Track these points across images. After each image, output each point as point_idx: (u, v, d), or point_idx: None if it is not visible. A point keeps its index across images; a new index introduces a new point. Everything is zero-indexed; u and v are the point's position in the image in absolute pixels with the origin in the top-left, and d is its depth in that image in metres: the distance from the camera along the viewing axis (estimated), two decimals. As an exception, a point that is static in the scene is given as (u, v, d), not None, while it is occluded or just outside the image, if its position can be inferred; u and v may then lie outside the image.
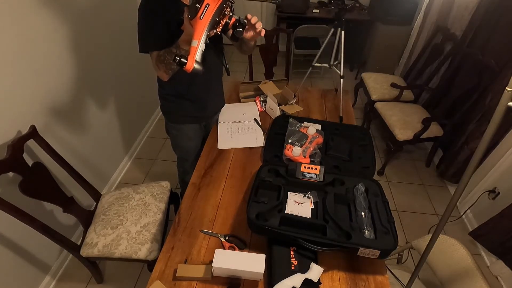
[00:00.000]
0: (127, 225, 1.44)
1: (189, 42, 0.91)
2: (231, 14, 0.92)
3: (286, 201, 1.15)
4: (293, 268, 1.00)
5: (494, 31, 2.07)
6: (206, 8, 0.83)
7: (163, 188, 1.65)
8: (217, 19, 0.88)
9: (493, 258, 1.86)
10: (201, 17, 0.84)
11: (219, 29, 0.91)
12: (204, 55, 0.89)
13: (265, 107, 1.77)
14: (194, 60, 0.84)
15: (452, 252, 1.17)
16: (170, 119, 1.55)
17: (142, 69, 2.49)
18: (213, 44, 1.21)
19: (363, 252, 0.99)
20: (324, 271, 1.02)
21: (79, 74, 1.77)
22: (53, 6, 1.53)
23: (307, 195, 1.18)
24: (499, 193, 1.89)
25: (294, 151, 1.37)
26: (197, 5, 0.84)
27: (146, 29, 1.17)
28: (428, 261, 1.24)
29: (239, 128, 1.62)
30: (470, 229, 2.03)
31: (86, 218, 1.51)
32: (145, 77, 2.54)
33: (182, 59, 0.83)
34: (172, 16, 1.13)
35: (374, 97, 2.62)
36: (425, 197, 2.33)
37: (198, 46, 0.85)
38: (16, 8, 1.33)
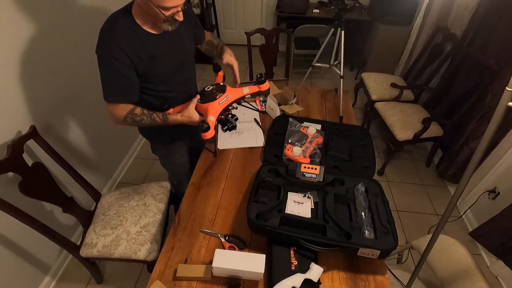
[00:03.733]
0: (127, 225, 1.44)
1: (183, 123, 1.14)
2: (232, 114, 1.17)
3: (286, 201, 1.15)
4: (293, 268, 1.00)
5: (494, 31, 2.07)
6: (226, 98, 1.04)
7: (163, 188, 1.65)
8: (226, 112, 1.10)
9: (493, 258, 1.86)
10: (219, 103, 1.04)
11: (223, 116, 1.13)
12: (187, 77, 1.24)
13: (265, 107, 1.77)
14: (213, 131, 1.04)
15: (452, 252, 1.17)
16: (155, 141, 1.47)
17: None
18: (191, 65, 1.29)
19: (363, 252, 0.99)
20: (324, 271, 1.02)
21: (79, 74, 1.77)
22: (54, 6, 1.53)
23: (307, 195, 1.18)
24: (499, 193, 1.89)
25: (294, 151, 1.37)
26: (216, 93, 1.04)
27: (116, 79, 1.07)
28: (428, 261, 1.24)
29: (239, 128, 1.62)
30: (470, 229, 2.03)
31: (86, 218, 1.51)
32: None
33: (205, 125, 1.02)
34: (142, 64, 1.09)
35: (374, 97, 2.62)
36: (425, 197, 2.33)
37: (215, 121, 1.04)
38: (16, 8, 1.33)
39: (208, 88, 1.06)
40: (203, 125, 1.02)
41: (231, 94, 1.06)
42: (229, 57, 1.33)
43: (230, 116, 1.13)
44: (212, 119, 1.04)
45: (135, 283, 1.74)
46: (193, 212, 1.24)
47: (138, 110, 1.15)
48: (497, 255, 1.80)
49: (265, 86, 1.10)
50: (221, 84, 1.11)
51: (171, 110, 1.22)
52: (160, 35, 1.12)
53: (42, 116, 1.54)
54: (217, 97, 1.06)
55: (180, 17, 1.04)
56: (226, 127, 1.13)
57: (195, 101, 1.13)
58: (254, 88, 1.09)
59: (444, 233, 1.85)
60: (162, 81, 1.20)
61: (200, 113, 1.13)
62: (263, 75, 1.11)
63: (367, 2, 3.53)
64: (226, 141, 1.55)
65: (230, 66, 1.33)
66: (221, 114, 1.07)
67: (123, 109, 1.13)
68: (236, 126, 1.15)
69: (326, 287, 1.01)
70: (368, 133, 1.58)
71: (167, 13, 0.99)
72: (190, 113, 1.13)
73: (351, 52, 3.58)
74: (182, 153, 1.55)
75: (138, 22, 1.07)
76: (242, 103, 1.28)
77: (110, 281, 1.74)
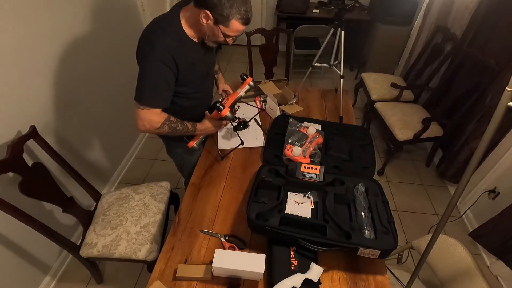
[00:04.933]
0: (127, 225, 1.44)
1: (205, 131, 1.35)
2: (237, 114, 1.47)
3: (286, 201, 1.15)
4: (293, 268, 1.00)
5: (494, 31, 2.07)
6: (227, 100, 1.33)
7: (163, 188, 1.65)
8: (233, 109, 1.36)
9: (493, 258, 1.86)
10: (224, 104, 1.30)
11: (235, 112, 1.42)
12: (210, 78, 1.41)
13: (265, 107, 1.77)
14: (228, 109, 1.29)
15: (452, 252, 1.17)
16: (173, 139, 1.46)
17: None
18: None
19: (363, 252, 0.99)
20: (324, 271, 1.02)
21: (79, 74, 1.77)
22: (55, 6, 1.53)
23: (307, 195, 1.18)
24: (499, 193, 1.89)
25: (294, 151, 1.37)
26: (218, 101, 1.32)
27: (160, 83, 1.10)
28: (428, 261, 1.24)
29: (239, 128, 1.62)
30: (470, 229, 2.03)
31: (86, 218, 1.51)
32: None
33: (221, 107, 1.26)
34: (184, 71, 1.13)
35: (374, 97, 2.62)
36: (425, 197, 2.33)
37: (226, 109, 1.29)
38: (17, 7, 1.33)
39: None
40: (219, 106, 1.25)
41: (230, 97, 1.33)
42: (224, 85, 1.56)
43: (237, 118, 1.39)
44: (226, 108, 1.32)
45: (135, 283, 1.74)
46: (193, 212, 1.24)
47: (172, 117, 1.20)
48: (497, 255, 1.80)
49: (249, 80, 1.38)
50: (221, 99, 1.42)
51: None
52: (199, 43, 1.17)
53: (42, 116, 1.54)
54: (220, 103, 1.32)
55: (231, 42, 1.15)
56: (237, 123, 1.38)
57: (207, 115, 1.34)
58: (244, 86, 1.37)
59: (444, 233, 1.84)
60: (193, 85, 1.25)
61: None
62: (246, 74, 1.41)
63: (367, 2, 3.53)
64: (226, 141, 1.55)
65: (225, 92, 1.56)
66: (230, 107, 1.32)
67: (159, 115, 1.16)
68: (247, 123, 1.41)
69: (326, 287, 1.01)
70: (368, 133, 1.58)
71: (227, 38, 1.11)
72: (207, 122, 1.33)
73: (351, 52, 3.58)
74: (196, 149, 1.53)
75: (186, 31, 1.12)
76: (243, 101, 1.64)
77: (110, 281, 1.74)
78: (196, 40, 1.16)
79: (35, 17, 1.43)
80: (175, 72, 1.12)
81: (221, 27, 1.05)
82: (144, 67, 1.08)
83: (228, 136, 1.58)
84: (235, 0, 1.00)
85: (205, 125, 1.33)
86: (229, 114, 1.29)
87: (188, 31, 1.12)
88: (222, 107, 1.26)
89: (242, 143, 1.49)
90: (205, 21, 1.04)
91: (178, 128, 1.23)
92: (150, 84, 1.10)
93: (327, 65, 2.14)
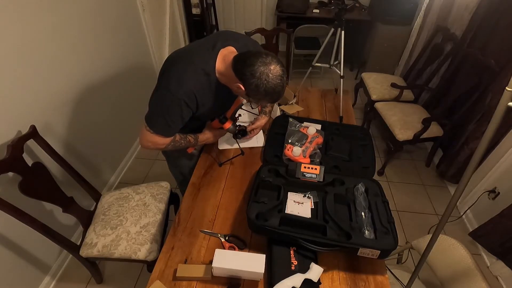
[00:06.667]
0: (127, 225, 1.44)
1: (207, 140, 1.36)
2: (238, 122, 1.44)
3: (286, 201, 1.15)
4: (293, 268, 1.00)
5: (494, 31, 2.07)
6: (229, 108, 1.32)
7: (163, 188, 1.65)
8: (234, 118, 1.39)
9: (493, 258, 1.86)
10: (226, 113, 1.32)
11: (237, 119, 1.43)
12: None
13: (265, 107, 1.77)
14: (230, 121, 1.33)
15: (452, 252, 1.17)
16: None
17: (142, 70, 2.49)
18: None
19: (363, 252, 0.99)
20: (324, 271, 1.02)
21: (79, 74, 1.77)
22: (56, 6, 1.53)
23: (307, 195, 1.18)
24: (499, 193, 1.89)
25: (294, 151, 1.37)
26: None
27: (176, 121, 1.12)
28: (428, 261, 1.24)
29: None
30: (470, 229, 2.03)
31: (86, 218, 1.51)
32: (146, 78, 2.54)
33: (224, 119, 1.30)
34: (203, 109, 1.14)
35: (374, 97, 2.62)
36: (425, 197, 2.33)
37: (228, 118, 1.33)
38: (18, 7, 1.33)
39: None
40: (222, 119, 1.28)
41: (232, 105, 1.32)
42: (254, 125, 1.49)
43: (237, 126, 1.40)
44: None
45: (135, 283, 1.74)
46: (193, 212, 1.24)
47: (178, 136, 1.21)
48: (497, 256, 1.80)
49: None
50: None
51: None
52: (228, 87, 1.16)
53: (42, 116, 1.54)
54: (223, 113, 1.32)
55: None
56: (237, 130, 1.38)
57: (208, 123, 1.35)
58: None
59: (444, 233, 1.85)
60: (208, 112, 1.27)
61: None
62: None
63: (367, 2, 3.53)
64: (226, 141, 1.55)
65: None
66: (231, 118, 1.33)
67: (166, 139, 1.17)
68: (246, 131, 1.41)
69: (326, 287, 1.01)
70: (368, 133, 1.58)
71: (252, 104, 1.16)
72: (208, 132, 1.34)
73: (351, 52, 3.58)
74: (194, 154, 1.53)
75: (218, 75, 1.11)
76: (244, 109, 1.64)
77: (110, 281, 1.74)
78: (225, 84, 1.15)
79: (35, 17, 1.43)
80: (194, 111, 1.14)
81: (251, 99, 1.09)
82: (164, 96, 1.08)
83: (228, 136, 1.57)
84: (269, 92, 0.99)
85: (206, 136, 1.35)
86: (231, 127, 1.31)
87: (220, 76, 1.11)
88: (224, 120, 1.28)
89: (242, 153, 1.46)
90: (238, 87, 1.03)
91: (181, 144, 1.25)
92: (165, 116, 1.10)
93: (327, 65, 2.15)
